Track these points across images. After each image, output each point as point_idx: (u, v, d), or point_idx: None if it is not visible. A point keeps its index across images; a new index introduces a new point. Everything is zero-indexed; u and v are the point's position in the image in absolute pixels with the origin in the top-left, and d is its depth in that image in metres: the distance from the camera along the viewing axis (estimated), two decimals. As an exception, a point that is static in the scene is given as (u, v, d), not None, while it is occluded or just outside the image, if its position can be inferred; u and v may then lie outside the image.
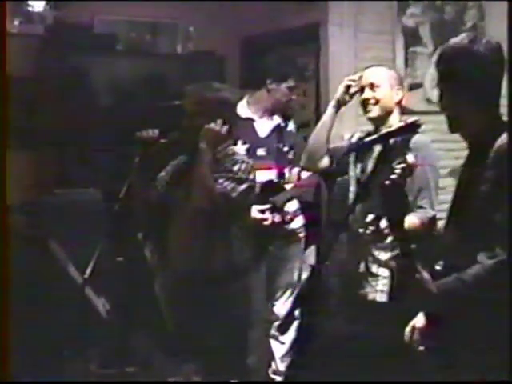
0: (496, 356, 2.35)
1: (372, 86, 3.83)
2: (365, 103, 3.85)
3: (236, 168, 3.67)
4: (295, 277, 4.60)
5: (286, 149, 4.51)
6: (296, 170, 4.51)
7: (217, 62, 5.72)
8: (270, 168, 4.44)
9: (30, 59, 5.23)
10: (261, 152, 4.47)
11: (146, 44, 5.81)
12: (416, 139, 3.72)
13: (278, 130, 4.56)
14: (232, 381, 3.75)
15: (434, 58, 5.46)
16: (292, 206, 4.52)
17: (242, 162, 3.71)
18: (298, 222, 4.62)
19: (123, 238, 3.97)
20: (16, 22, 5.37)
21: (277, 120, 4.58)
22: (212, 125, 3.60)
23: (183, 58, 5.78)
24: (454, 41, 2.59)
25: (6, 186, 2.98)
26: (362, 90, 3.87)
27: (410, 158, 3.52)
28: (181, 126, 3.71)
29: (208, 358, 3.63)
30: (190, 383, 3.65)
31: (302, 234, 4.65)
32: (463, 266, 2.40)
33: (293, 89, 4.55)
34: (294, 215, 4.55)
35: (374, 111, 3.80)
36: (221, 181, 3.61)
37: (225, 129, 3.64)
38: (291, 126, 4.65)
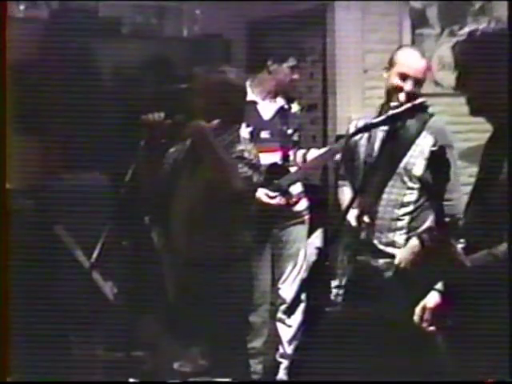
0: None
1: (404, 77, 3.72)
2: (391, 91, 3.74)
3: (246, 155, 3.60)
4: (301, 259, 4.60)
5: (290, 131, 4.51)
6: (301, 151, 4.50)
7: (223, 45, 5.70)
8: (274, 150, 4.42)
9: (34, 43, 5.22)
10: (265, 135, 4.45)
11: (151, 27, 5.80)
12: (432, 121, 3.70)
13: (281, 112, 4.54)
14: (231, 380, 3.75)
15: (441, 39, 5.50)
16: (297, 188, 4.51)
17: (249, 151, 3.64)
18: (303, 204, 4.61)
19: (130, 221, 3.96)
20: (21, 7, 5.35)
21: (280, 102, 4.56)
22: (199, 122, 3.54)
23: (189, 41, 5.76)
24: (470, 25, 2.59)
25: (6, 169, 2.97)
26: (389, 68, 3.77)
27: None
28: (187, 109, 3.69)
29: (214, 342, 3.63)
30: (188, 383, 3.63)
31: (306, 217, 4.65)
32: (485, 245, 2.42)
33: (294, 68, 4.52)
34: (299, 197, 4.55)
35: (400, 102, 3.71)
36: (240, 165, 3.55)
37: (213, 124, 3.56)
38: (295, 108, 4.62)
